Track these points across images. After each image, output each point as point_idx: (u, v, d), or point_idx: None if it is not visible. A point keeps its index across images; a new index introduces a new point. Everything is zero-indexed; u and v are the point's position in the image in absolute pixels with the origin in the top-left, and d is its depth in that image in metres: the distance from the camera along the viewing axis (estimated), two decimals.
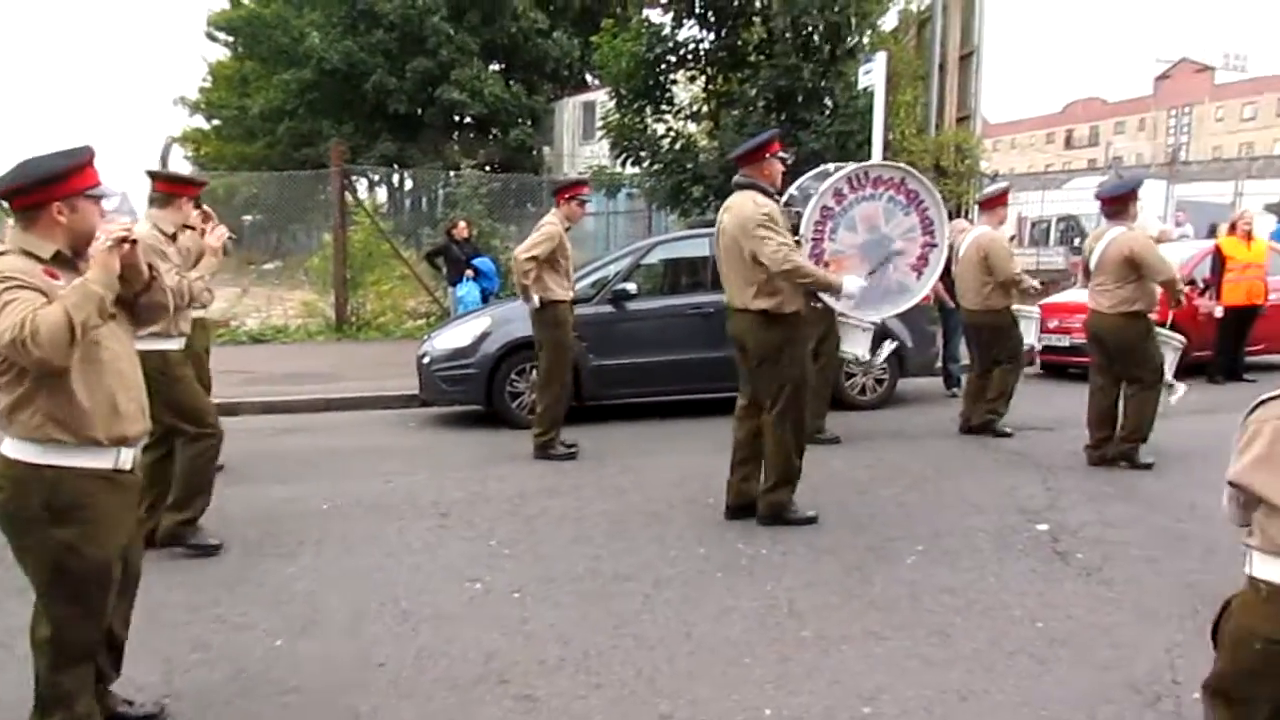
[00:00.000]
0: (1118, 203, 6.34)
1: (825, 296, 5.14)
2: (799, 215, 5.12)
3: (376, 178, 25.53)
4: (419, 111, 28.78)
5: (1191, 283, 9.84)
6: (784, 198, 5.22)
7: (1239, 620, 2.04)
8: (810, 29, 12.57)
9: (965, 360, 9.17)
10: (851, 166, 5.52)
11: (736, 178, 5.03)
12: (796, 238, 5.00)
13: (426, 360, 8.09)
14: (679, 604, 3.99)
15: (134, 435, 2.77)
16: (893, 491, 5.77)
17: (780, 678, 3.31)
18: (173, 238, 4.70)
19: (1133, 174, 13.89)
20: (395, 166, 23.99)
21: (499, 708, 3.16)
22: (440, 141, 28.56)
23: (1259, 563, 2.01)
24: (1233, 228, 10.24)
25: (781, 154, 5.02)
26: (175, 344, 4.56)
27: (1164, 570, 4.30)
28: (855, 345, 6.44)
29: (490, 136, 29.24)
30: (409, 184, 29.03)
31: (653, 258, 8.72)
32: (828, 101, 13.11)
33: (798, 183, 5.71)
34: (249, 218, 21.58)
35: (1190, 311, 9.51)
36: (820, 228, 5.18)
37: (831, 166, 5.85)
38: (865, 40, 13.41)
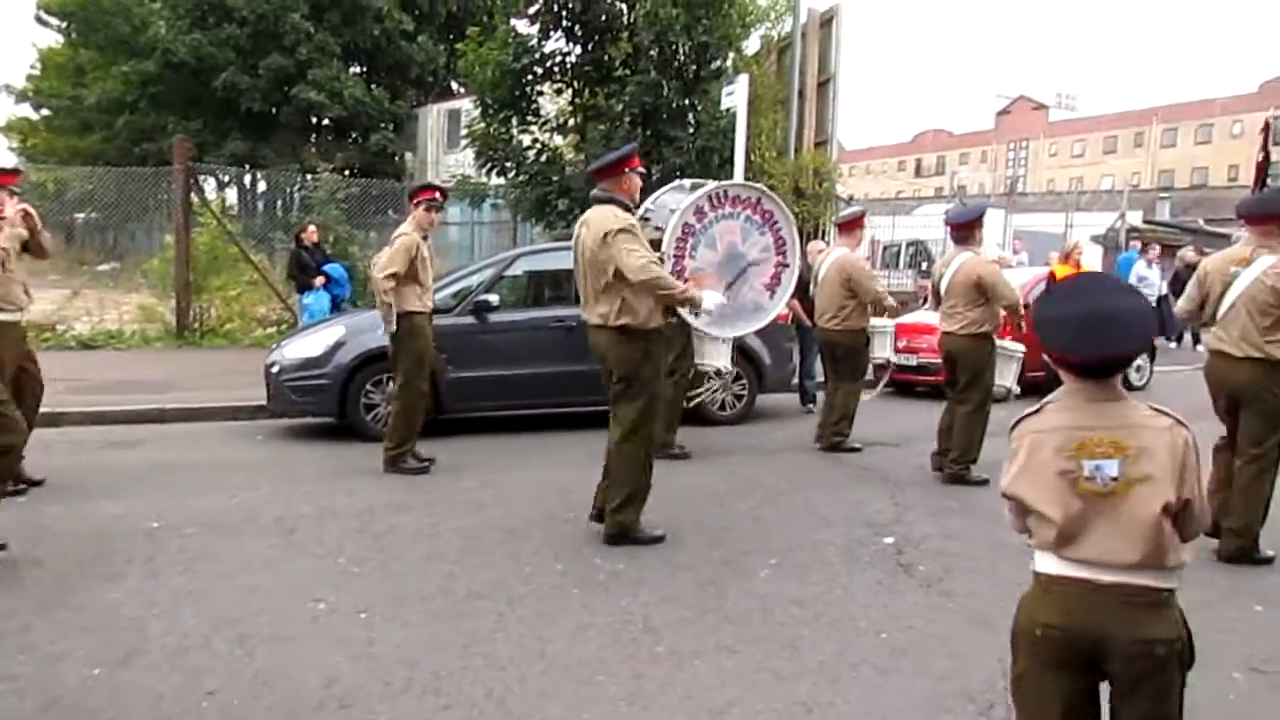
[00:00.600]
0: (965, 229, 6.67)
1: (683, 312, 5.16)
2: (660, 231, 5.15)
3: (226, 178, 24.38)
4: (273, 111, 27.76)
5: (1026, 307, 10.47)
6: (639, 212, 5.23)
7: (1025, 614, 2.18)
8: (676, 48, 12.76)
9: (821, 378, 9.48)
10: (712, 185, 5.59)
11: (594, 191, 4.99)
12: (659, 254, 5.01)
13: (275, 370, 7.73)
14: (533, 621, 3.92)
15: None
16: (748, 505, 5.85)
17: (633, 694, 3.28)
18: None
19: (977, 202, 14.73)
20: (246, 167, 22.98)
21: None
22: (296, 143, 27.59)
23: (1038, 558, 2.17)
24: (1065, 256, 10.95)
25: (640, 169, 5.03)
26: None
27: (999, 581, 4.49)
28: (716, 358, 6.52)
29: (350, 140, 28.49)
30: (262, 185, 27.87)
31: (516, 269, 8.62)
32: (692, 119, 13.34)
33: (653, 197, 5.75)
34: (81, 215, 20.22)
35: (1029, 334, 10.11)
36: (682, 245, 5.23)
37: (687, 183, 5.91)
38: (729, 63, 13.72)
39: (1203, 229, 23.94)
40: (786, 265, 5.68)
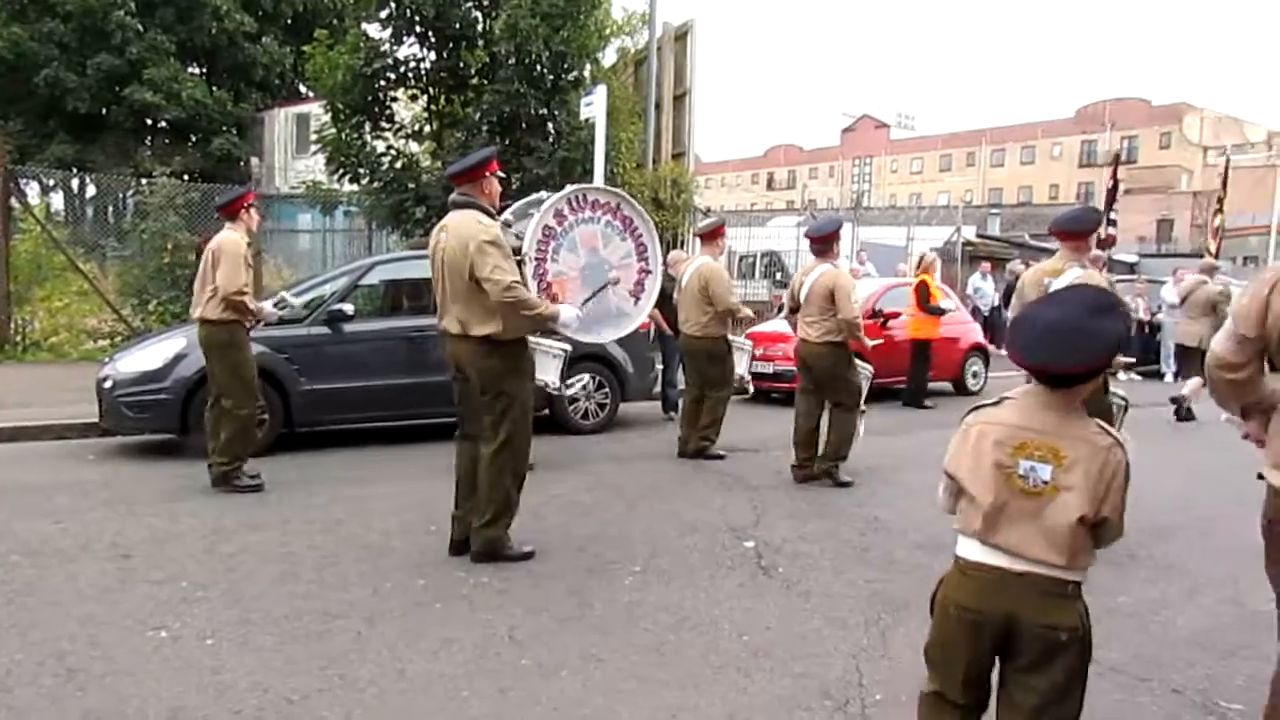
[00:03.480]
0: (824, 241, 6.91)
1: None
2: (520, 237, 5.08)
3: (51, 181, 22.70)
4: (103, 111, 26.05)
5: (877, 314, 10.97)
6: (499, 218, 5.15)
7: (943, 592, 2.36)
8: (534, 57, 12.73)
9: (683, 385, 9.62)
10: (570, 188, 5.57)
11: (454, 196, 4.83)
12: (520, 257, 4.92)
13: (109, 384, 7.25)
14: (394, 640, 3.80)
15: None
16: (612, 513, 5.87)
17: (498, 710, 3.22)
18: None
19: (828, 216, 15.26)
20: (74, 170, 21.45)
21: None
22: (129, 145, 25.97)
23: (960, 543, 2.34)
24: (922, 267, 11.52)
25: (499, 173, 4.95)
26: None
27: (852, 581, 4.67)
28: (545, 372, 6.44)
29: (189, 143, 27.04)
30: (91, 190, 26.10)
31: (372, 278, 8.38)
32: (551, 129, 13.33)
33: (512, 207, 5.68)
34: None
35: (889, 344, 10.62)
36: (543, 248, 5.16)
37: (544, 194, 5.87)
38: (586, 73, 13.79)
39: (1028, 243, 25.60)
40: (649, 271, 5.70)
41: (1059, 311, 2.22)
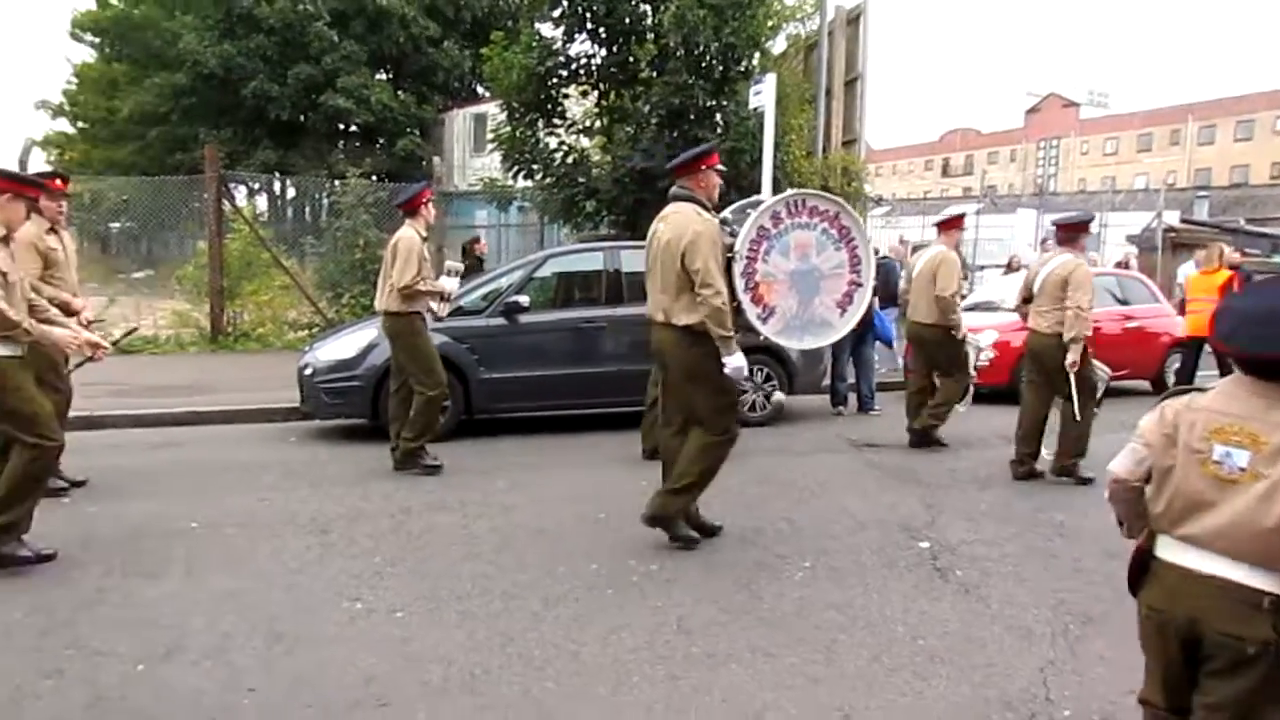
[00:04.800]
0: (1071, 230, 6.67)
1: (752, 320, 5.11)
2: (734, 234, 5.09)
3: (256, 185, 24.60)
4: (302, 118, 28.06)
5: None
6: (719, 215, 5.20)
7: (1141, 594, 2.28)
8: (703, 49, 12.73)
9: (852, 379, 9.43)
10: (791, 192, 5.52)
11: (674, 189, 4.97)
12: (731, 254, 4.96)
13: (309, 372, 7.80)
14: (568, 622, 3.93)
15: None
16: (780, 507, 5.83)
17: (668, 697, 3.27)
18: (3, 240, 4.42)
19: (1079, 210, 14.54)
20: (276, 174, 23.18)
21: None
22: (324, 149, 27.89)
23: (1157, 542, 2.24)
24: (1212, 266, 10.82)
25: (719, 166, 5.02)
26: (8, 350, 4.30)
27: (1036, 588, 4.45)
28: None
29: (377, 145, 28.71)
30: (291, 192, 28.16)
31: (546, 271, 8.65)
32: (720, 120, 13.29)
33: (731, 206, 5.67)
34: (117, 225, 20.54)
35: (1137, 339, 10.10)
36: (755, 247, 5.13)
37: (763, 195, 5.84)
38: (755, 63, 13.66)
39: (1244, 229, 23.47)
40: (859, 284, 5.51)
41: (1269, 300, 2.09)
